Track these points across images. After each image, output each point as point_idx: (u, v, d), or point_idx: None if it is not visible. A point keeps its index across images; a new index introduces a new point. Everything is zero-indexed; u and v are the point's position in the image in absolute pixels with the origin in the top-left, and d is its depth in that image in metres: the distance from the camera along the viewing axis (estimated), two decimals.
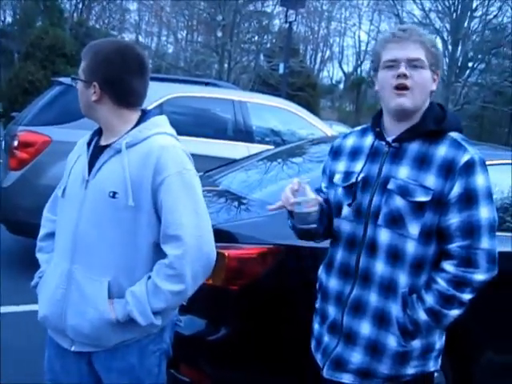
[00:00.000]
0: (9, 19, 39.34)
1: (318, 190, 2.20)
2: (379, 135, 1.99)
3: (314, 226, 1.97)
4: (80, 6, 36.81)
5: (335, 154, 2.15)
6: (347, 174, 2.03)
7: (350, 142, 2.11)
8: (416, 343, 1.93)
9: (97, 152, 2.00)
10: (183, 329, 2.69)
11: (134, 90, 1.98)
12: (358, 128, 2.17)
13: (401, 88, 1.88)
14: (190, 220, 1.88)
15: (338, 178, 2.06)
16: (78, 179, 2.00)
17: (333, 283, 2.05)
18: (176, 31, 32.03)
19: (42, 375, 2.17)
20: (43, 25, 24.89)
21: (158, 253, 1.91)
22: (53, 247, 2.11)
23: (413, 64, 1.88)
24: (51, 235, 2.14)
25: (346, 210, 2.00)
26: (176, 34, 32.32)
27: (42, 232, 2.21)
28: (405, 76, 1.87)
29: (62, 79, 6.29)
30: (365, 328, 1.95)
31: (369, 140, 2.04)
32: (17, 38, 31.73)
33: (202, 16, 27.63)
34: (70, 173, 2.05)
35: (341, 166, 2.08)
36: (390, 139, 1.96)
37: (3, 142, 6.51)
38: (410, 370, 1.95)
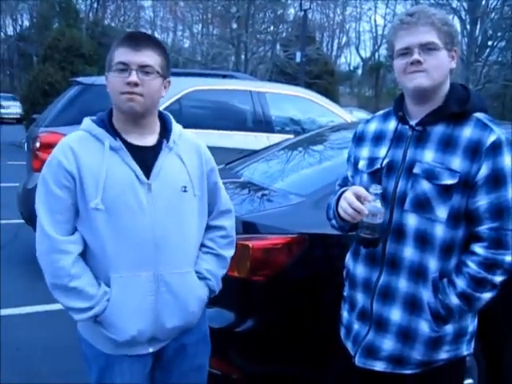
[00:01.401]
0: (26, 23, 39.86)
1: (345, 179, 2.18)
2: (402, 119, 1.96)
3: (378, 235, 1.88)
4: (95, 5, 37.04)
5: (359, 139, 2.12)
6: (371, 160, 2.01)
7: (372, 127, 2.09)
8: (449, 328, 1.90)
9: (137, 153, 1.95)
10: (211, 321, 2.72)
11: None
12: (380, 112, 2.14)
13: (414, 71, 1.85)
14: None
15: (362, 164, 2.04)
16: (129, 185, 1.91)
17: (360, 270, 2.04)
18: (191, 25, 32.04)
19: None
20: (60, 26, 25.17)
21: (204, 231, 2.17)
22: (85, 268, 1.93)
23: (426, 48, 1.84)
24: (79, 257, 1.93)
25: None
26: (191, 28, 32.33)
27: (70, 258, 1.91)
28: (419, 62, 1.84)
29: (80, 79, 6.34)
30: (395, 314, 1.94)
31: (392, 124, 2.01)
32: (35, 41, 32.09)
33: (217, 9, 27.56)
34: (106, 180, 1.89)
35: (365, 152, 2.06)
36: (413, 123, 1.93)
37: (26, 144, 6.58)
38: (443, 355, 1.93)
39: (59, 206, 1.91)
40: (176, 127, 2.07)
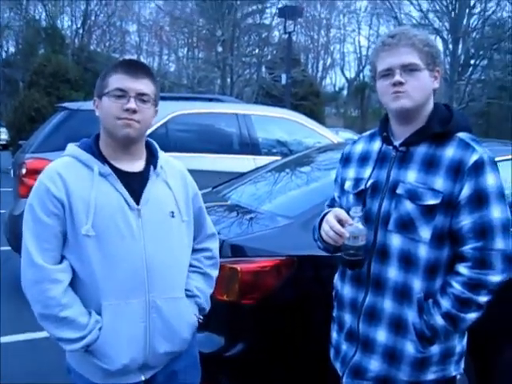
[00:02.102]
0: (12, 49, 39.81)
1: (333, 200, 2.19)
2: (386, 140, 1.97)
3: (362, 257, 1.90)
4: (80, 31, 37.16)
5: (345, 160, 2.14)
6: (357, 181, 2.02)
7: (359, 147, 2.10)
8: (435, 348, 1.89)
9: (126, 179, 1.95)
10: (201, 346, 2.69)
11: None
12: (367, 133, 2.16)
13: (396, 92, 1.87)
14: None
15: (348, 185, 2.05)
16: (118, 210, 1.90)
17: (347, 290, 2.04)
18: (177, 49, 32.22)
19: None
20: (45, 52, 25.21)
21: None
22: (74, 297, 1.90)
23: (408, 69, 1.86)
24: (68, 286, 1.89)
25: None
26: (177, 52, 32.50)
27: (60, 287, 1.87)
28: (400, 83, 1.86)
29: (66, 104, 6.34)
30: (381, 335, 1.93)
31: (377, 145, 2.02)
32: (20, 67, 32.07)
33: (202, 32, 27.74)
34: (96, 206, 1.87)
35: (351, 172, 2.07)
36: (397, 143, 1.94)
37: (12, 171, 6.55)
38: (431, 376, 1.92)
39: (47, 234, 1.88)
40: (161, 154, 2.10)
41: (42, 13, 36.89)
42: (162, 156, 2.09)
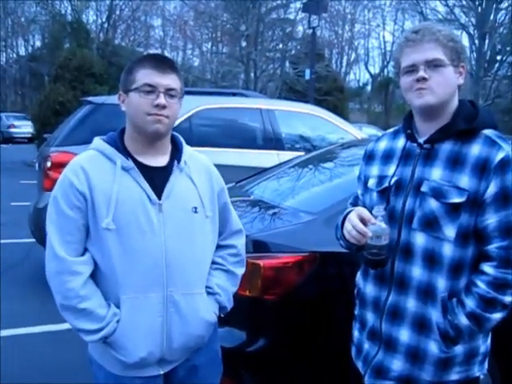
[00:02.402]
0: (38, 43, 40.32)
1: (356, 197, 2.17)
2: (410, 137, 1.95)
3: (385, 256, 1.88)
4: (105, 25, 37.42)
5: (369, 158, 2.11)
6: (380, 178, 1.99)
7: (382, 145, 2.08)
8: (459, 348, 1.87)
9: (149, 173, 1.95)
10: (223, 341, 2.69)
11: None
12: (390, 130, 2.13)
13: (420, 88, 1.85)
14: None
15: (372, 182, 2.03)
16: (139, 205, 1.91)
17: (369, 289, 2.02)
18: (201, 44, 32.31)
19: None
20: (71, 46, 25.43)
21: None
22: (94, 289, 1.92)
23: (432, 64, 1.83)
24: (89, 278, 1.92)
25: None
26: (201, 47, 32.59)
27: (80, 279, 1.90)
28: (424, 79, 1.84)
29: (91, 98, 6.38)
30: (404, 334, 1.91)
31: (401, 142, 2.00)
32: (46, 61, 32.43)
33: (226, 27, 27.77)
34: (118, 200, 1.89)
35: (374, 170, 2.05)
36: (421, 140, 1.92)
37: (37, 164, 6.62)
38: (454, 376, 1.90)
39: (70, 227, 1.91)
40: (186, 148, 2.08)
41: (67, 7, 37.19)
42: (187, 150, 2.08)
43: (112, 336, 1.91)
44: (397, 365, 1.93)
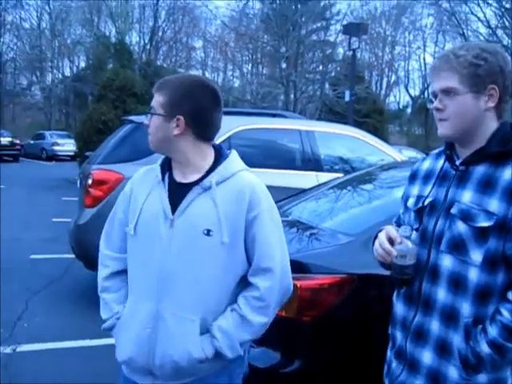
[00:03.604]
0: (82, 64, 41.37)
1: (399, 217, 2.14)
2: (449, 158, 1.93)
3: (410, 276, 1.88)
4: (148, 47, 38.21)
5: (412, 177, 2.10)
6: (418, 198, 1.98)
7: (426, 165, 2.06)
8: (482, 377, 1.79)
9: (175, 189, 1.98)
10: (258, 361, 2.68)
11: (214, 123, 2.00)
12: (436, 151, 2.11)
13: (439, 119, 1.85)
14: (279, 253, 1.96)
15: (411, 202, 2.02)
16: (156, 217, 1.95)
17: (399, 308, 2.00)
18: (241, 65, 32.67)
19: None
20: (114, 67, 25.96)
21: (241, 286, 1.96)
22: (119, 286, 2.07)
23: (447, 93, 1.81)
24: (116, 274, 2.08)
25: (414, 235, 1.93)
26: (241, 68, 32.95)
27: (106, 271, 2.10)
28: (438, 110, 1.83)
29: (132, 117, 6.50)
30: (426, 356, 1.87)
31: (441, 163, 1.98)
32: (90, 81, 33.24)
33: (266, 49, 28.06)
34: (142, 210, 1.99)
35: (415, 189, 2.03)
36: (458, 162, 1.89)
37: (79, 181, 6.74)
38: None
39: (116, 226, 2.10)
40: (224, 168, 1.97)
41: (111, 29, 38.28)
42: (224, 170, 1.97)
43: (112, 331, 2.06)
44: None
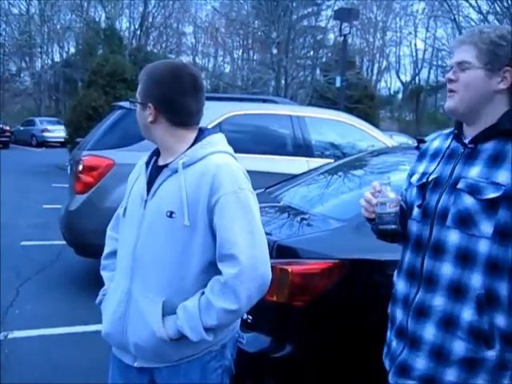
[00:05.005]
0: (72, 50, 41.04)
1: (401, 194, 2.14)
2: (457, 137, 1.93)
3: (394, 226, 1.92)
4: (138, 32, 37.92)
5: (420, 156, 2.10)
6: (423, 175, 1.98)
7: (434, 144, 2.07)
8: (491, 353, 1.79)
9: (155, 172, 2.02)
10: (248, 346, 2.69)
11: (188, 109, 1.98)
12: (446, 130, 2.11)
13: (449, 90, 1.86)
14: (244, 239, 1.86)
15: (415, 178, 2.02)
16: (137, 199, 2.02)
17: (400, 286, 1.99)
18: (232, 51, 32.51)
19: None
20: (104, 53, 25.76)
21: (212, 271, 1.91)
22: (115, 265, 2.13)
23: (461, 66, 1.83)
24: (114, 253, 2.16)
25: (415, 211, 1.95)
26: (232, 54, 32.80)
27: (106, 250, 2.23)
28: (450, 81, 1.84)
29: (122, 103, 6.45)
30: (428, 332, 1.87)
31: (449, 142, 1.98)
32: (79, 67, 32.99)
33: (257, 34, 27.92)
34: (130, 193, 2.08)
35: (421, 167, 2.04)
36: (466, 141, 1.89)
37: (69, 167, 6.71)
38: (480, 382, 1.81)
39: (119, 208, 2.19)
40: (195, 151, 1.95)
41: (101, 15, 37.93)
42: (195, 153, 1.95)
43: (100, 306, 2.14)
44: (420, 364, 1.89)
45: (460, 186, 1.83)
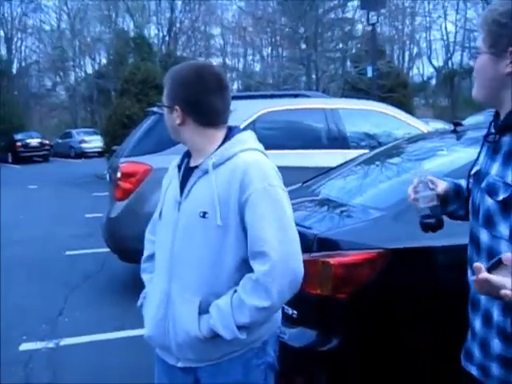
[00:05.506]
0: (103, 60, 41.63)
1: None
2: (493, 123, 1.82)
3: (430, 220, 1.92)
4: (167, 38, 38.25)
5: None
6: (472, 165, 1.90)
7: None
8: None
9: (187, 174, 2.03)
10: (294, 341, 2.69)
11: (215, 108, 1.99)
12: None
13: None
14: (275, 236, 1.86)
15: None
16: (171, 201, 2.04)
17: (469, 273, 1.92)
18: (261, 49, 32.50)
19: None
20: (134, 61, 26.08)
21: (245, 269, 1.91)
22: (154, 267, 2.15)
23: (476, 52, 1.74)
24: (152, 256, 2.18)
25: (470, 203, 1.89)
26: (261, 52, 32.79)
27: (145, 253, 2.25)
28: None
29: (155, 109, 6.52)
30: (477, 325, 1.84)
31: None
32: (112, 77, 33.43)
33: (284, 31, 27.83)
34: (165, 196, 2.10)
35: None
36: (493, 131, 1.80)
37: (108, 175, 6.81)
38: None
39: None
40: (225, 150, 1.96)
41: (129, 24, 38.35)
42: (224, 152, 1.95)
43: (142, 309, 2.16)
44: (476, 353, 1.86)
45: (483, 184, 1.75)
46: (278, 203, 1.89)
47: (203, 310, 1.92)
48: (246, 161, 1.91)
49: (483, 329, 1.81)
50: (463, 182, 2.02)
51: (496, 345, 1.77)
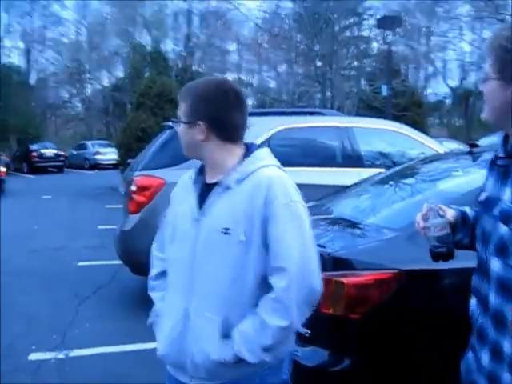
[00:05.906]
0: (120, 74, 41.96)
1: None
2: (502, 147, 1.78)
3: (441, 249, 1.86)
4: (183, 53, 38.54)
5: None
6: (481, 190, 1.85)
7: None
8: None
9: (204, 190, 2.02)
10: (307, 360, 2.67)
11: (236, 123, 2.00)
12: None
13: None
14: (296, 252, 1.86)
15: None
16: (187, 218, 2.01)
17: (472, 303, 1.91)
18: (276, 66, 32.58)
19: None
20: (151, 75, 26.22)
21: (266, 287, 1.90)
22: (165, 285, 2.11)
23: (484, 78, 1.72)
24: (162, 274, 2.14)
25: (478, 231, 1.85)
26: (276, 69, 32.86)
27: (154, 271, 2.20)
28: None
29: (171, 123, 6.55)
30: (485, 358, 1.79)
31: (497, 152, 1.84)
32: (128, 91, 33.68)
33: (300, 48, 27.89)
34: (177, 211, 2.07)
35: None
36: (501, 155, 1.76)
37: (122, 188, 6.85)
38: None
39: (164, 227, 2.18)
40: (245, 167, 1.96)
41: (147, 38, 38.72)
42: (245, 168, 1.95)
43: (154, 328, 2.13)
44: None
45: (495, 212, 1.69)
46: (299, 219, 1.91)
47: (224, 330, 1.90)
48: (269, 176, 1.92)
49: (492, 363, 1.76)
50: (468, 209, 1.98)
51: (507, 379, 1.72)
